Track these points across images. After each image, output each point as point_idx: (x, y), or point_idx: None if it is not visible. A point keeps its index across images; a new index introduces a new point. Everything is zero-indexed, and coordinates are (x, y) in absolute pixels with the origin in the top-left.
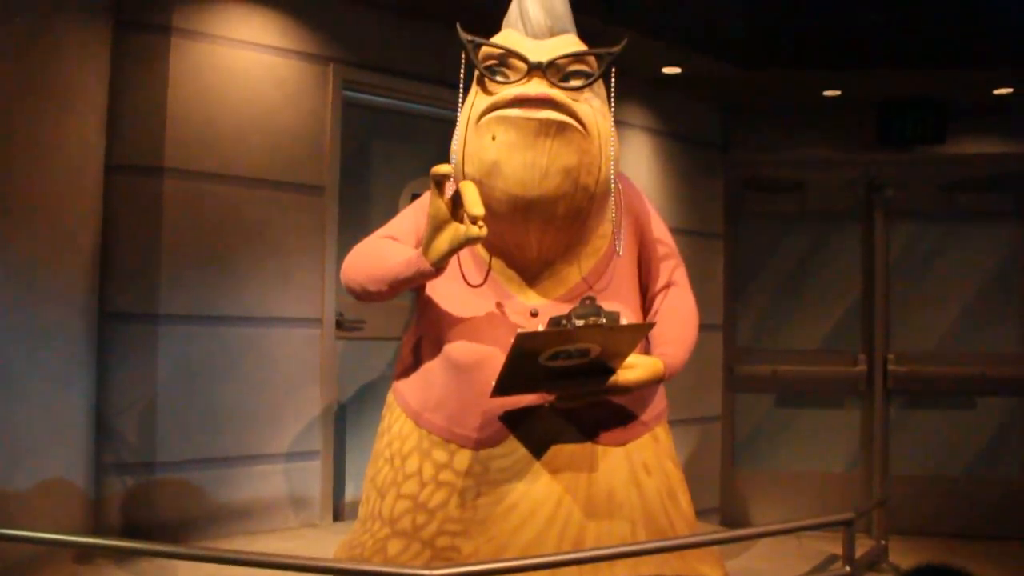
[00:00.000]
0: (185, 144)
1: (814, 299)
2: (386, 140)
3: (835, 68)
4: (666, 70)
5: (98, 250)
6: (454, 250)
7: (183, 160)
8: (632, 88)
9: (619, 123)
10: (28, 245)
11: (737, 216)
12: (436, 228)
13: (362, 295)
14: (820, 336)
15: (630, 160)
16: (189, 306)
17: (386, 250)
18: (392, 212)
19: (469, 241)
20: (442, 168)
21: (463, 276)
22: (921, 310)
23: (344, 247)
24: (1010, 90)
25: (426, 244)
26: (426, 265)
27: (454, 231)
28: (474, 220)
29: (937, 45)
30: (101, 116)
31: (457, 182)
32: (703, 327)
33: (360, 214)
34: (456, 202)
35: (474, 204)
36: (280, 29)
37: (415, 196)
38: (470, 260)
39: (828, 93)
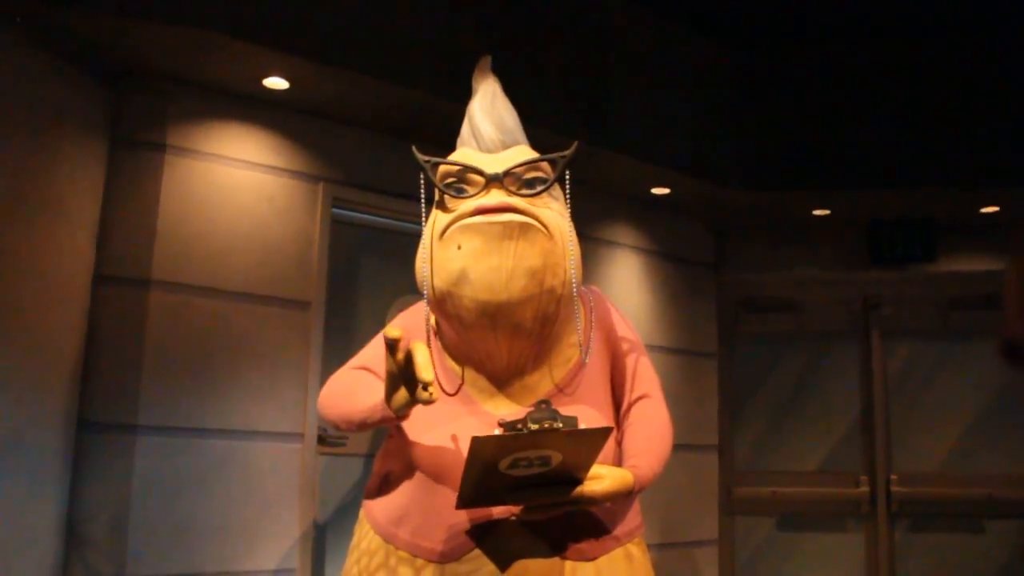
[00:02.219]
0: (173, 257)
1: (813, 419)
2: (374, 257)
3: (824, 188)
4: (655, 191)
5: (81, 359)
6: (412, 405)
7: (171, 273)
8: (622, 208)
9: (609, 243)
10: (8, 350)
11: (731, 336)
12: (394, 385)
13: (340, 428)
14: (820, 457)
15: (621, 280)
16: (169, 417)
17: (357, 388)
18: (379, 328)
19: (424, 403)
20: (393, 332)
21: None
22: (923, 430)
23: (328, 362)
24: (996, 208)
25: (388, 394)
26: (389, 413)
27: (411, 394)
28: (424, 386)
29: (924, 165)
30: (92, 228)
31: (409, 343)
32: (697, 448)
33: (346, 330)
34: (409, 359)
35: (423, 369)
36: (272, 148)
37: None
38: (441, 372)
39: (818, 212)
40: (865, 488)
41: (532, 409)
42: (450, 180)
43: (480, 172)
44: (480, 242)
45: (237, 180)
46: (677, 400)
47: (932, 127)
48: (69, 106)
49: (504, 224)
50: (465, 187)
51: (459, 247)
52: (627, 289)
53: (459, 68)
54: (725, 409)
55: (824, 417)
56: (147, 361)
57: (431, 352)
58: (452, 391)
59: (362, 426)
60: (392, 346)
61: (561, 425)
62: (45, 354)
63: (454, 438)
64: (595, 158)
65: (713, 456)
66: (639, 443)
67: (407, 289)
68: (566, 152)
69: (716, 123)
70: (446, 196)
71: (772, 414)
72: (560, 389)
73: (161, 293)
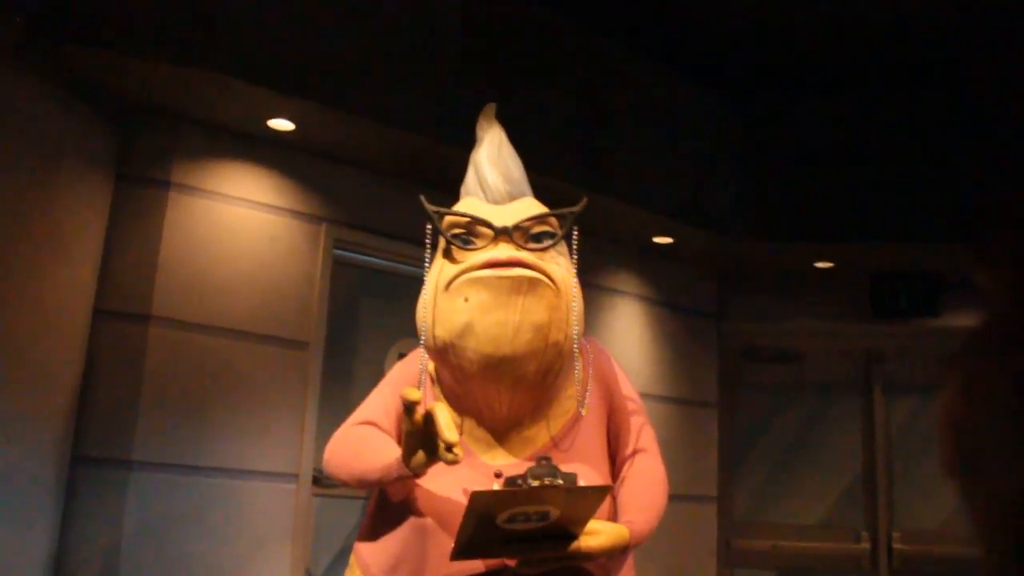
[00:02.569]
0: (174, 294)
1: (814, 472)
2: (374, 299)
3: (826, 240)
4: (657, 239)
5: (77, 393)
6: (432, 464)
7: (171, 309)
8: (623, 256)
9: (611, 291)
10: (5, 383)
11: (732, 385)
12: (412, 445)
13: (350, 487)
14: (821, 511)
15: (622, 328)
16: (164, 454)
17: (368, 446)
18: (378, 371)
19: (449, 463)
20: (412, 394)
21: None
22: (926, 486)
23: (325, 403)
24: None
25: (407, 454)
26: (407, 472)
27: (430, 455)
28: (448, 447)
29: (928, 217)
30: (95, 263)
31: (427, 404)
32: (696, 498)
33: (344, 371)
34: (428, 420)
35: (448, 430)
36: (275, 188)
37: (401, 355)
38: None
39: (820, 264)
40: (866, 544)
41: (532, 465)
42: (457, 231)
43: (489, 225)
44: (488, 296)
45: (240, 219)
46: (676, 449)
47: (936, 180)
48: (76, 142)
49: (514, 279)
50: (472, 238)
51: (466, 299)
52: (628, 337)
53: (462, 112)
54: (724, 460)
55: (825, 470)
56: (144, 397)
57: (447, 411)
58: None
59: (377, 485)
60: (410, 408)
61: (561, 482)
62: (41, 387)
63: (451, 487)
64: (596, 206)
65: (712, 507)
66: (635, 498)
67: (406, 332)
68: (575, 208)
69: (718, 172)
70: (452, 246)
71: (772, 466)
72: (557, 441)
73: (161, 329)
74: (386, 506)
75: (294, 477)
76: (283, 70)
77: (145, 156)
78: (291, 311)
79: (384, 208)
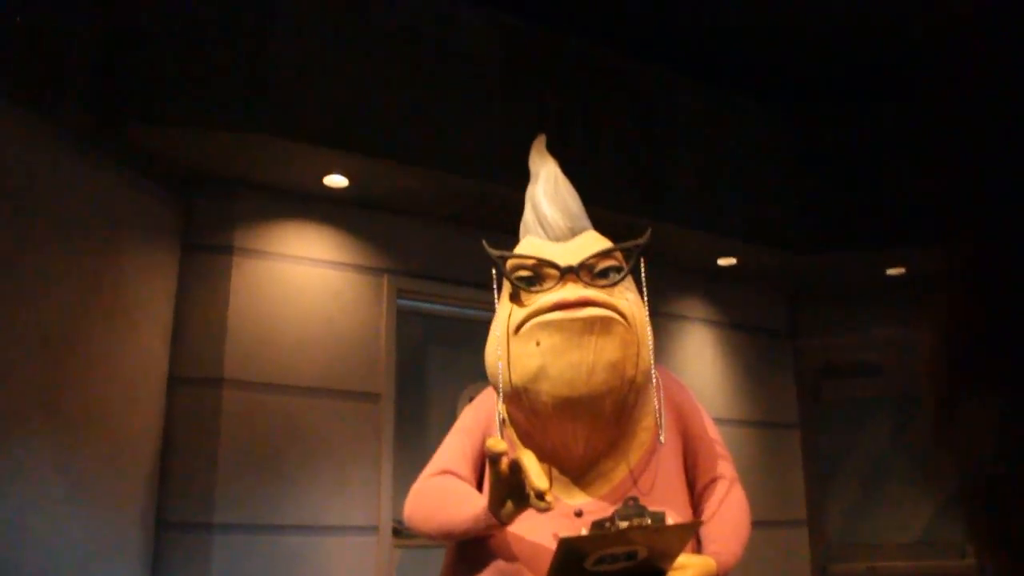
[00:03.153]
0: (244, 356)
1: (908, 486)
2: (441, 346)
3: (895, 245)
4: (721, 262)
5: (158, 460)
6: (521, 512)
7: (242, 371)
8: (689, 282)
9: (679, 317)
10: (89, 456)
11: (812, 404)
12: (500, 495)
13: (435, 539)
14: (920, 526)
15: (693, 354)
16: (244, 515)
17: (450, 497)
18: (449, 417)
19: (541, 511)
20: (497, 445)
21: None
22: None
23: (400, 453)
24: None
25: (494, 504)
26: (495, 522)
27: (520, 504)
28: (540, 495)
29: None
30: (166, 330)
31: (513, 453)
32: (785, 523)
33: (417, 419)
34: (515, 468)
35: (538, 478)
36: (335, 244)
37: (472, 400)
38: None
39: (892, 271)
40: (972, 559)
41: (619, 506)
42: (523, 273)
43: (555, 265)
44: (560, 339)
45: (302, 277)
46: (760, 474)
47: (1011, 171)
48: (141, 215)
49: (585, 319)
50: (539, 279)
51: (538, 343)
52: (700, 363)
53: (515, 153)
54: (812, 481)
55: (919, 484)
56: (222, 459)
57: (535, 458)
58: None
59: (463, 536)
60: (496, 459)
61: (650, 522)
62: (123, 456)
63: (532, 529)
64: (658, 233)
65: (803, 531)
66: (718, 527)
67: (475, 376)
68: (640, 240)
69: (778, 188)
70: (519, 288)
71: (863, 484)
72: (636, 476)
73: (233, 391)
74: (466, 555)
75: (374, 530)
76: (333, 127)
77: (207, 223)
78: (360, 364)
79: (443, 254)
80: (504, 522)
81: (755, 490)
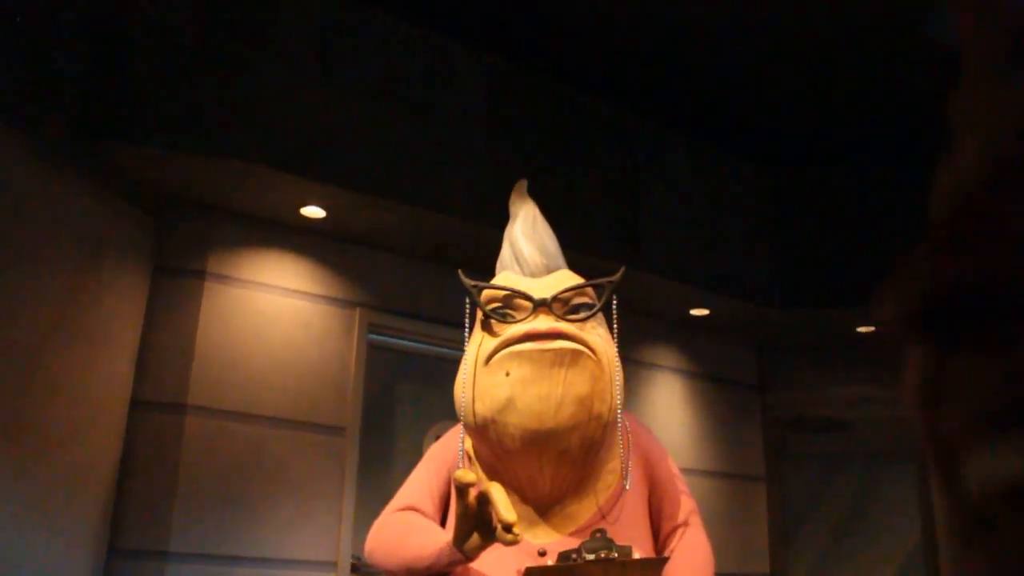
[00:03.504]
0: (210, 382)
1: (871, 543)
2: (410, 382)
3: (867, 304)
4: (694, 312)
5: (114, 484)
6: (487, 546)
7: (207, 398)
8: (662, 330)
9: (650, 365)
10: (45, 477)
11: (779, 458)
12: (466, 528)
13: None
14: None
15: (662, 403)
16: (201, 544)
17: (413, 532)
18: (415, 454)
19: (508, 544)
20: (465, 476)
21: None
22: None
23: (363, 489)
24: None
25: (459, 538)
26: (460, 556)
27: (486, 537)
28: (507, 528)
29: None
30: (132, 353)
31: (481, 485)
32: None
33: (382, 456)
34: (483, 500)
35: (506, 510)
36: (309, 275)
37: (437, 437)
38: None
39: (862, 329)
40: None
41: (585, 539)
42: (495, 305)
43: (528, 297)
44: (530, 369)
45: (274, 306)
46: (724, 526)
47: None
48: (113, 235)
49: (555, 351)
50: (511, 312)
51: (507, 373)
52: (669, 412)
53: (494, 193)
54: (776, 534)
55: (883, 541)
56: (181, 486)
57: (503, 491)
58: None
59: (427, 571)
60: (463, 490)
61: (616, 555)
62: (79, 479)
63: (496, 567)
64: (632, 280)
65: None
66: (684, 572)
67: (443, 414)
68: (613, 277)
69: (753, 242)
70: (491, 320)
71: (827, 539)
72: (602, 516)
73: (196, 418)
74: None
75: (332, 565)
76: (313, 157)
77: (181, 247)
78: (327, 397)
79: (417, 291)
80: (469, 557)
81: (719, 542)
